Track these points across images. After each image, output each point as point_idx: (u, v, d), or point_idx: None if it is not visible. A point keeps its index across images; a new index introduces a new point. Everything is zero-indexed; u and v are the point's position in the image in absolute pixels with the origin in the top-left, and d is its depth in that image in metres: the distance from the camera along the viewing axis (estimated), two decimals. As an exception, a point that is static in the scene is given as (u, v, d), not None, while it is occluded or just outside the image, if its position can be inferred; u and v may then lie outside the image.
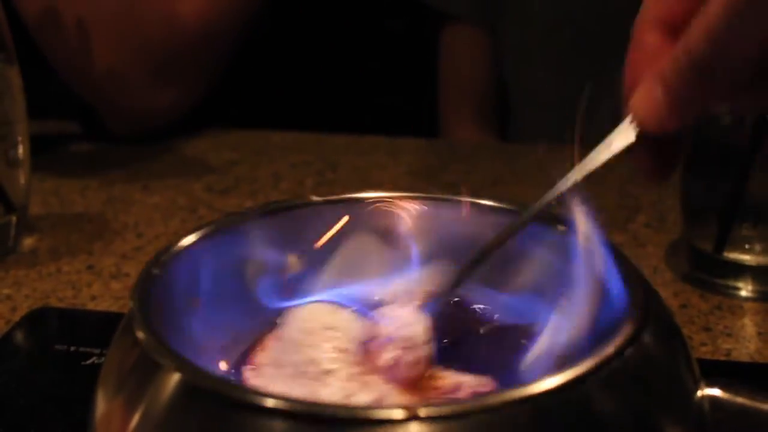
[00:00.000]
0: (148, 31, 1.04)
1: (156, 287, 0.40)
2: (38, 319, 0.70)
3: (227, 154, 1.00)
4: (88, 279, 0.76)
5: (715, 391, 0.40)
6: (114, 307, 0.72)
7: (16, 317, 0.70)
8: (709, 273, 0.73)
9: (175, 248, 0.43)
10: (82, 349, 0.65)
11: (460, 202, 0.51)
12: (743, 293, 0.71)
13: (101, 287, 0.75)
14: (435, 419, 0.32)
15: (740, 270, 0.72)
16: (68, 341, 0.66)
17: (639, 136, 0.49)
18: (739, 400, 0.41)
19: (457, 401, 0.38)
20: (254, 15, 1.16)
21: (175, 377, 0.35)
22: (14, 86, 0.80)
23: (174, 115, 1.07)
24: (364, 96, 1.51)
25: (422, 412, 0.32)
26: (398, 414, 0.32)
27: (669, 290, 0.72)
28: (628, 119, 0.50)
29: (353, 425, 0.33)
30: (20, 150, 0.81)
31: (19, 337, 0.68)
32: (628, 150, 0.49)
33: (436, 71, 1.31)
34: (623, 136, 0.49)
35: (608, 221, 0.80)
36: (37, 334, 0.68)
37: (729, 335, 0.66)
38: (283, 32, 1.27)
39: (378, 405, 0.38)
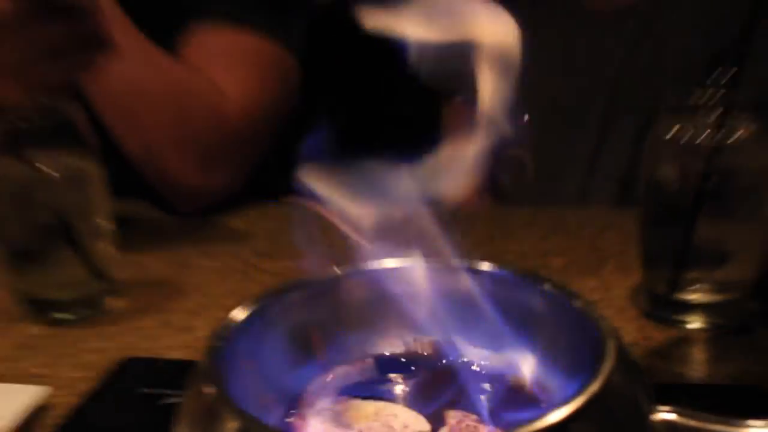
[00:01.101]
0: (198, 126, 1.03)
1: (218, 354, 0.40)
2: (126, 367, 0.70)
3: (269, 224, 0.99)
4: (163, 332, 0.76)
5: (670, 415, 0.40)
6: (185, 356, 0.71)
7: (108, 365, 0.70)
8: (665, 311, 0.72)
9: (232, 322, 0.43)
10: (160, 391, 0.64)
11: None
12: (694, 326, 0.71)
13: (174, 339, 0.75)
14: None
15: (690, 308, 0.71)
16: (149, 385, 0.66)
17: None
18: (691, 422, 0.40)
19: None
20: (290, 103, 1.14)
21: (234, 425, 0.35)
22: (96, 177, 0.80)
23: (224, 193, 1.05)
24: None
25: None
26: None
27: (633, 325, 0.72)
28: None
29: None
30: (104, 228, 0.81)
31: (111, 381, 0.68)
32: None
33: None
34: None
35: (582, 270, 0.81)
36: (124, 380, 0.68)
37: (683, 362, 0.67)
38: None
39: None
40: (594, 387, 0.36)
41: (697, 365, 0.66)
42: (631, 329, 0.71)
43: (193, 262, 0.92)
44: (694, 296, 0.71)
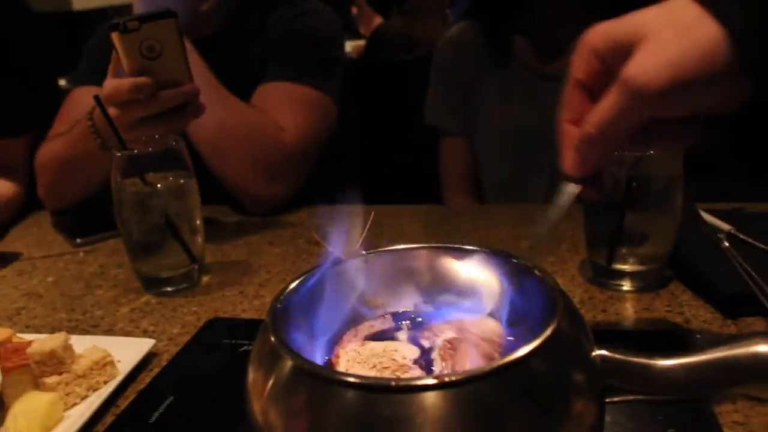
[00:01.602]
0: (266, 153, 1.01)
1: (277, 313, 0.40)
2: (213, 325, 0.70)
3: (316, 220, 0.98)
4: (240, 300, 0.76)
5: (604, 352, 0.39)
6: (256, 317, 0.71)
7: (200, 324, 0.70)
8: (605, 277, 0.71)
9: (289, 289, 0.43)
10: (238, 341, 0.65)
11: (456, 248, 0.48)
12: (625, 288, 0.70)
13: (248, 305, 0.75)
14: (452, 383, 0.32)
15: (622, 275, 0.70)
16: (230, 337, 0.66)
17: (576, 180, 0.47)
18: (618, 356, 0.39)
19: (460, 373, 0.36)
20: (330, 134, 1.13)
21: (288, 363, 0.35)
22: (192, 189, 0.80)
23: (283, 199, 1.04)
24: (396, 178, 1.49)
25: (445, 379, 0.32)
26: (431, 380, 0.32)
27: (580, 289, 0.71)
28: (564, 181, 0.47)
29: (404, 390, 0.32)
30: (198, 224, 0.80)
31: (202, 335, 0.68)
32: (577, 193, 0.47)
33: (437, 163, 1.27)
34: (570, 188, 0.48)
35: (543, 250, 0.79)
36: (213, 333, 0.68)
37: (617, 314, 0.65)
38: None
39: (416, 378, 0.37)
40: (547, 332, 0.36)
41: (628, 317, 0.65)
42: (580, 292, 0.70)
43: (261, 248, 0.91)
44: (625, 266, 0.69)
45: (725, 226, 0.76)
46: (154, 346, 0.64)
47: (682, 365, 0.38)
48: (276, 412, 0.35)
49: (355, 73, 1.77)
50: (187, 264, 0.79)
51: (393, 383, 0.33)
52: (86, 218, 1.04)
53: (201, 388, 0.58)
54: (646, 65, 0.40)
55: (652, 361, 0.38)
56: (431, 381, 0.33)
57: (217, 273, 0.84)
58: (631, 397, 0.40)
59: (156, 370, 0.62)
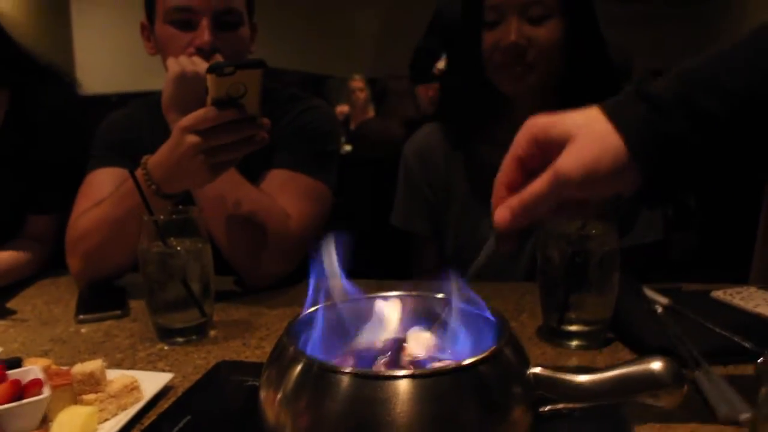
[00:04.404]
0: (273, 234, 1.10)
1: (292, 335, 0.52)
2: (221, 366, 0.80)
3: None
4: (243, 349, 0.86)
5: (537, 369, 0.50)
6: (256, 360, 0.82)
7: (210, 365, 0.80)
8: (557, 337, 0.82)
9: (300, 317, 0.55)
10: (244, 378, 0.74)
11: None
12: (573, 345, 0.81)
13: (250, 353, 0.85)
14: (419, 375, 0.45)
15: (570, 335, 0.81)
16: (237, 374, 0.76)
17: (501, 234, 0.59)
18: (547, 373, 0.50)
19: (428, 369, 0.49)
20: (326, 219, 1.21)
21: (300, 364, 0.48)
22: (208, 254, 0.91)
23: (281, 276, 1.12)
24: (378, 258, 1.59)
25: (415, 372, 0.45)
26: (404, 372, 0.45)
27: (536, 346, 0.82)
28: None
29: (381, 378, 0.45)
30: (210, 284, 0.91)
31: (212, 373, 0.78)
32: (498, 241, 0.59)
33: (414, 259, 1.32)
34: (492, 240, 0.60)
35: (510, 317, 0.91)
36: (221, 372, 0.78)
37: (565, 368, 0.76)
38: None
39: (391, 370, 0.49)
40: (493, 348, 0.49)
41: (572, 369, 0.76)
42: (535, 349, 0.82)
43: (260, 311, 1.02)
44: (571, 328, 0.81)
45: (663, 300, 0.90)
46: (171, 380, 0.74)
47: (594, 380, 0.51)
48: (287, 398, 0.48)
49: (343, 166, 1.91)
50: (199, 318, 0.91)
51: (377, 373, 0.47)
52: (88, 297, 1.10)
53: (214, 409, 0.69)
54: (570, 163, 0.56)
55: (572, 377, 0.51)
56: (403, 372, 0.46)
57: (222, 328, 0.95)
58: (559, 405, 0.52)
59: (173, 399, 0.72)
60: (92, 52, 5.77)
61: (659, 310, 0.87)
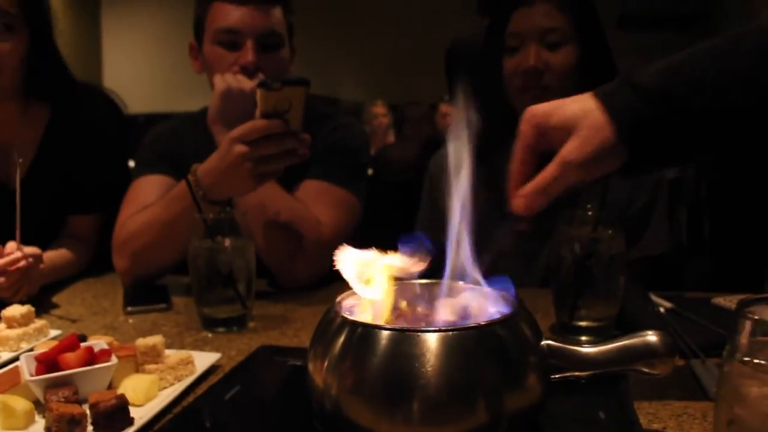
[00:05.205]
0: (307, 240, 1.18)
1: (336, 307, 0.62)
2: (263, 349, 0.88)
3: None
4: (281, 338, 0.95)
5: (549, 341, 0.59)
6: (295, 345, 0.90)
7: (252, 349, 0.88)
8: (568, 332, 0.90)
9: (337, 304, 0.64)
10: (285, 358, 0.83)
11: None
12: (582, 339, 0.88)
13: (288, 341, 0.93)
14: (447, 330, 0.54)
15: (580, 329, 0.89)
16: (279, 355, 0.84)
17: (517, 216, 0.68)
18: (558, 344, 0.58)
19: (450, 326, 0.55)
20: (356, 227, 1.29)
21: (346, 329, 0.57)
22: (251, 251, 1.00)
23: (316, 278, 1.20)
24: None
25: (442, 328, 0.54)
26: (433, 328, 0.54)
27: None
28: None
29: (407, 332, 0.54)
30: (251, 278, 0.99)
31: (256, 354, 0.86)
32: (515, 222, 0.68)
33: None
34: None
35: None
36: (264, 354, 0.86)
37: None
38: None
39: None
40: (508, 314, 0.58)
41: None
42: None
43: (295, 307, 1.10)
44: (581, 323, 0.89)
45: (667, 303, 0.98)
46: (218, 359, 0.83)
47: (598, 350, 0.59)
48: (335, 361, 0.57)
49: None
50: (241, 309, 0.99)
51: (410, 329, 0.55)
52: (133, 293, 1.19)
53: (261, 382, 0.78)
54: (575, 153, 0.67)
55: (580, 348, 0.60)
56: (433, 328, 0.55)
57: (261, 320, 1.04)
58: (567, 373, 0.60)
59: (221, 375, 0.81)
60: (120, 74, 5.97)
61: (662, 311, 0.95)
